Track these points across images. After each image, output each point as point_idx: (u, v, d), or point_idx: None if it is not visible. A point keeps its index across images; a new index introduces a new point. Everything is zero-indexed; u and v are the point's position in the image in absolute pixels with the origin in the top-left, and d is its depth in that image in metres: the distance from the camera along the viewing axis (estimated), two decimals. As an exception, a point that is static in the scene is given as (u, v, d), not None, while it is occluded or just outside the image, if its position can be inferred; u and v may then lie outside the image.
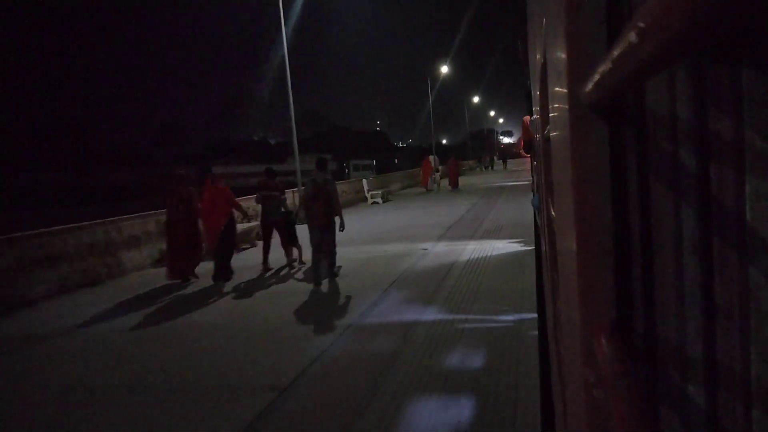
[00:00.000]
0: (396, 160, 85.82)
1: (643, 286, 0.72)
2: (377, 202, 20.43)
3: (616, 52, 0.46)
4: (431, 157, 26.95)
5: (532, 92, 4.41)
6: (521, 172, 37.93)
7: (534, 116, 4.85)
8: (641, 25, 0.36)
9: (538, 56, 2.34)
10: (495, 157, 65.75)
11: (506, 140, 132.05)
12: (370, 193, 20.83)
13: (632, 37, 0.39)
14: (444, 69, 38.13)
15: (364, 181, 21.80)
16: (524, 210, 13.75)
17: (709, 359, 0.60)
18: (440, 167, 27.64)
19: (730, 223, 0.55)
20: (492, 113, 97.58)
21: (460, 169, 32.27)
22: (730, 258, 0.55)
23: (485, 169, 53.14)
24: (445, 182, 28.12)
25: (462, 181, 29.41)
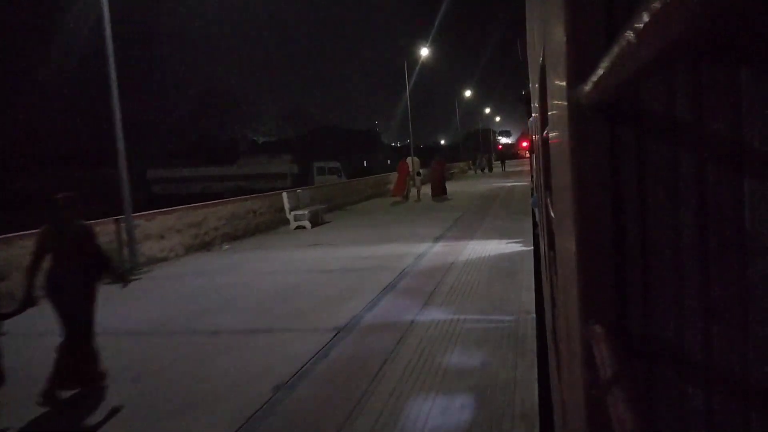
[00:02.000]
0: (389, 161, 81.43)
1: (641, 286, 0.73)
2: (303, 227, 13.98)
3: (615, 53, 0.46)
4: (409, 159, 22.23)
5: (532, 92, 4.41)
6: (520, 174, 33.69)
7: (533, 116, 4.85)
8: (640, 25, 0.37)
9: (537, 56, 2.35)
10: (492, 158, 57.40)
11: (504, 140, 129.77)
12: (294, 213, 14.11)
13: (631, 37, 0.39)
14: (424, 52, 30.39)
15: (284, 195, 14.45)
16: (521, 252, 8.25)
17: (707, 359, 0.60)
18: (421, 170, 22.92)
19: (728, 223, 0.55)
20: (487, 110, 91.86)
21: (447, 172, 27.19)
22: (728, 258, 0.56)
23: (482, 171, 47.05)
24: (428, 188, 22.61)
25: (450, 186, 24.23)
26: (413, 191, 21.65)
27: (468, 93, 60.48)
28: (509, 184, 25.50)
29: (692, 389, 0.63)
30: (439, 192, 21.51)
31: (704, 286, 0.59)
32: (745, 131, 0.52)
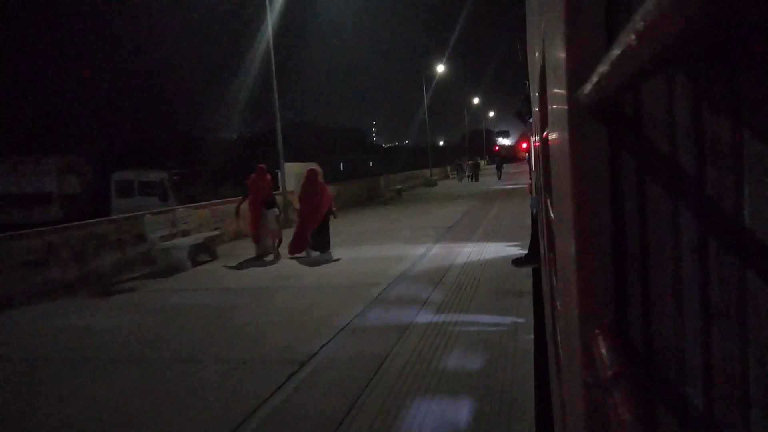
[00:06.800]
0: (371, 164, 66.61)
1: (641, 288, 0.73)
2: None
3: (614, 55, 0.46)
4: (286, 169, 12.97)
5: (531, 94, 4.42)
6: (518, 181, 26.94)
7: (533, 117, 4.86)
8: (639, 27, 0.37)
9: (537, 58, 2.35)
10: (480, 163, 44.28)
11: (503, 141, 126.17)
12: None
13: (631, 39, 0.39)
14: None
15: None
16: None
17: (707, 360, 0.60)
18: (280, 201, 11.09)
19: (728, 224, 0.55)
20: (476, 100, 72.11)
21: (331, 205, 9.85)
22: (727, 259, 0.56)
23: (468, 180, 36.94)
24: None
25: (386, 217, 14.24)
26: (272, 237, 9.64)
27: (440, 68, 40.73)
28: (507, 186, 21.50)
29: (692, 389, 0.63)
30: (301, 246, 9.44)
31: (704, 287, 0.60)
32: (745, 132, 0.52)
